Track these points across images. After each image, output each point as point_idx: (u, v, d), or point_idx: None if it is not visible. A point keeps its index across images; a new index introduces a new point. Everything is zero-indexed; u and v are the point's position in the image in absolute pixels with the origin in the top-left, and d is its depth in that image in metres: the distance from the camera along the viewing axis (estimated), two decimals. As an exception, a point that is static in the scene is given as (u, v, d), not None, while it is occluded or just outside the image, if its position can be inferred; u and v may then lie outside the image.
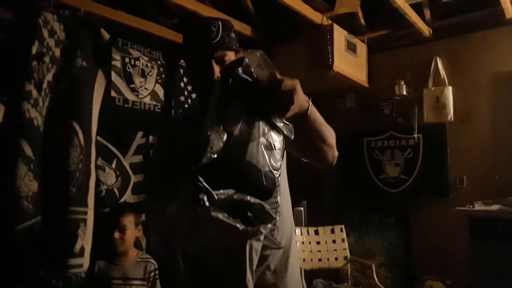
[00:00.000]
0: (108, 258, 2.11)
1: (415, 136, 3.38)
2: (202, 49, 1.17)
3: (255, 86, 0.86)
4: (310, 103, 1.00)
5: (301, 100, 0.93)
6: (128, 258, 2.10)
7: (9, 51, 2.14)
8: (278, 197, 0.98)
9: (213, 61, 1.15)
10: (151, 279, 2.10)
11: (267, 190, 0.88)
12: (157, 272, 2.11)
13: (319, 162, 1.16)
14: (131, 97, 2.74)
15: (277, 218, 0.94)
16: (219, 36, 1.16)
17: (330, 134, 1.11)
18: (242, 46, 1.21)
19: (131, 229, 2.06)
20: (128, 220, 2.05)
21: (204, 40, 1.16)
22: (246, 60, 0.87)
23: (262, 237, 0.83)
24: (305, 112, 0.98)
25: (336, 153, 1.15)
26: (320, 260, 3.26)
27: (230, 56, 1.17)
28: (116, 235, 2.01)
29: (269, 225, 0.84)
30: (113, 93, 2.64)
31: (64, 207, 2.20)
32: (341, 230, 3.37)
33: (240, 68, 0.86)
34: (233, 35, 1.21)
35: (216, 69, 1.15)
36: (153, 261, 2.14)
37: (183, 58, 1.15)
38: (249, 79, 0.86)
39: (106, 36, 2.52)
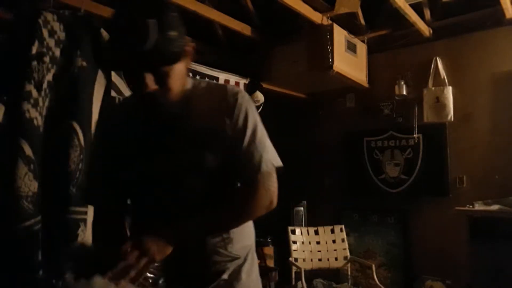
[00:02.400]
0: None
1: (415, 136, 3.38)
2: (129, 57, 0.88)
3: None
4: (172, 240, 0.96)
5: (155, 253, 0.92)
6: None
7: (9, 51, 2.14)
8: None
9: (145, 74, 0.90)
10: None
11: None
12: None
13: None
14: (131, 97, 2.73)
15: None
16: (154, 40, 0.84)
17: (236, 219, 1.06)
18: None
19: None
20: None
21: (132, 47, 0.86)
22: None
23: None
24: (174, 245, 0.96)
25: (268, 202, 1.04)
26: (320, 260, 3.26)
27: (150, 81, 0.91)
28: None
29: None
30: (113, 93, 2.63)
31: (64, 207, 2.20)
32: (341, 230, 3.36)
33: None
34: (174, 32, 0.88)
35: (150, 82, 0.90)
36: None
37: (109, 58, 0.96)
38: None
39: (106, 36, 2.52)
